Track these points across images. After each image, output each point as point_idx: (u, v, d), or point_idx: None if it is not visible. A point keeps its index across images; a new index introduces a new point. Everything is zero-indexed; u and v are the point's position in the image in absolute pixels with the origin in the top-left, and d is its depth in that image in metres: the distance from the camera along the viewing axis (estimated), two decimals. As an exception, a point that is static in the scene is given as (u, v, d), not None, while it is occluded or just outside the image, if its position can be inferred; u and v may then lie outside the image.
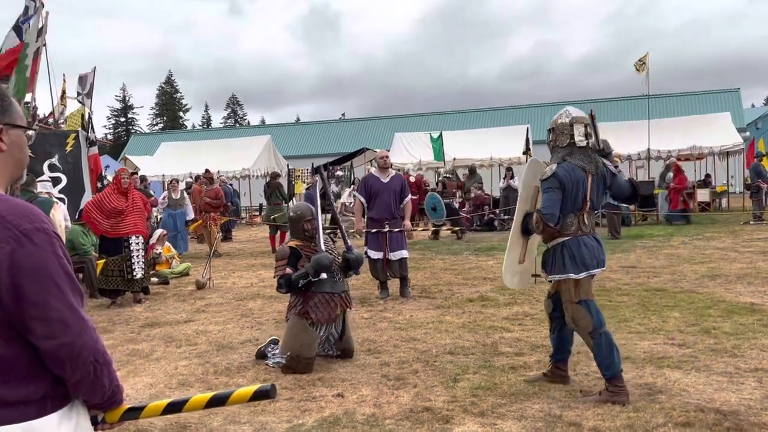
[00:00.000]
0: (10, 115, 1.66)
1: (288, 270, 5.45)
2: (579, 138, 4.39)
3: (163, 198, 14.76)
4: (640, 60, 18.19)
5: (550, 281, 4.56)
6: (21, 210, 1.55)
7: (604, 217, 15.78)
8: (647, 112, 19.08)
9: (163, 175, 23.65)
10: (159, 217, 14.69)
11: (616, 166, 4.78)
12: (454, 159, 22.43)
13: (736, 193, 27.42)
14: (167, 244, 11.64)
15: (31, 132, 1.77)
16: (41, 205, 8.38)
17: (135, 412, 1.79)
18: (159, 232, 11.66)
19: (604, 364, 4.28)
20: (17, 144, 1.68)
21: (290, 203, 15.98)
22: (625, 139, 20.37)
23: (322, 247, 5.49)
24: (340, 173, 23.79)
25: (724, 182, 24.16)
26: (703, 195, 21.05)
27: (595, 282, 8.61)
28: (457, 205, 17.91)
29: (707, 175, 24.06)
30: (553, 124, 4.53)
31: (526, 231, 4.66)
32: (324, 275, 5.32)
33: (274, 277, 5.59)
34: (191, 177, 21.66)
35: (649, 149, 19.30)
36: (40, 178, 9.33)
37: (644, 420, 3.90)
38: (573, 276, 4.33)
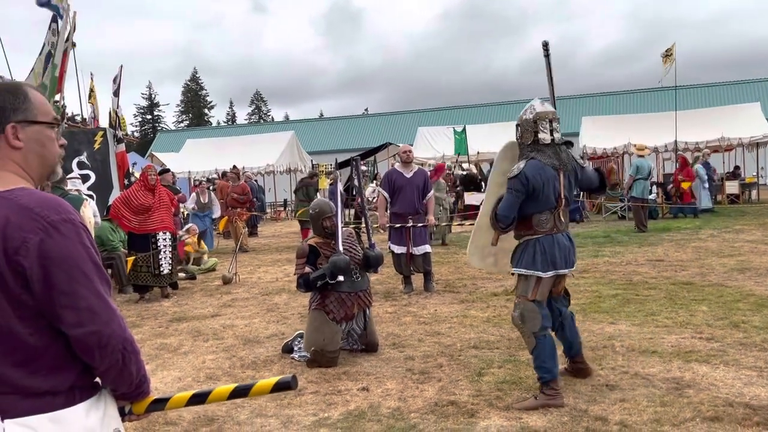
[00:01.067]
0: (25, 112, 1.67)
1: (307, 269, 5.48)
2: (543, 135, 4.26)
3: (192, 201, 14.95)
4: (666, 51, 17.91)
5: (513, 274, 4.43)
6: (48, 202, 1.59)
7: (630, 210, 15.62)
8: (674, 103, 18.80)
9: (189, 172, 23.93)
10: (186, 213, 14.86)
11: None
12: (478, 153, 22.35)
13: (767, 185, 26.92)
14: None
15: (57, 128, 1.78)
16: (72, 202, 8.57)
17: (161, 404, 1.83)
18: (188, 226, 11.87)
19: (544, 367, 4.15)
20: (37, 140, 1.69)
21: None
22: (652, 131, 20.13)
23: (340, 248, 5.46)
24: (363, 168, 23.84)
25: (754, 173, 23.75)
26: (732, 187, 20.72)
27: (622, 275, 8.62)
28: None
29: (736, 167, 23.68)
30: (518, 120, 4.39)
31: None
32: (341, 277, 5.33)
33: (294, 275, 5.63)
34: (216, 173, 21.86)
35: (676, 141, 19.02)
36: (69, 176, 9.52)
37: (672, 414, 3.87)
38: (540, 274, 4.21)
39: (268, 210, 26.22)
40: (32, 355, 1.58)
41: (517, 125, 4.41)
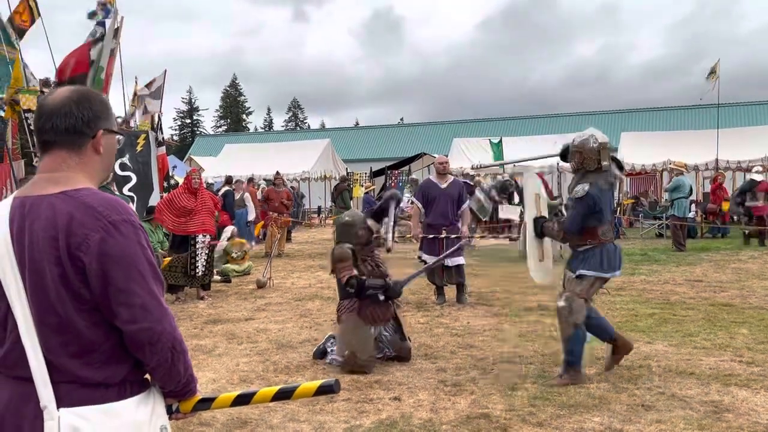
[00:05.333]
0: (110, 121, 1.80)
1: (355, 271, 5.52)
2: (605, 163, 4.93)
3: None
4: (712, 68, 17.62)
5: (576, 276, 4.92)
6: (110, 202, 1.68)
7: (668, 228, 15.35)
8: (716, 120, 18.46)
9: (226, 176, 24.23)
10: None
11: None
12: (514, 165, 22.19)
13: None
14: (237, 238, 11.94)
15: (120, 137, 1.90)
16: None
17: (207, 403, 1.87)
18: (230, 229, 12.04)
19: (574, 352, 4.84)
20: (111, 147, 1.83)
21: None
22: (693, 149, 19.77)
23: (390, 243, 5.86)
24: (404, 177, 23.90)
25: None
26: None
27: (659, 294, 8.48)
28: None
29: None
30: (579, 148, 4.96)
31: (540, 234, 5.12)
32: (382, 297, 5.54)
33: (341, 277, 5.61)
34: (254, 178, 22.11)
35: (717, 159, 18.66)
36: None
37: (710, 438, 3.79)
38: (605, 275, 4.90)
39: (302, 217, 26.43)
40: (88, 347, 1.65)
41: (576, 152, 4.98)
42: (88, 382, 1.65)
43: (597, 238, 4.90)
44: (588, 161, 4.93)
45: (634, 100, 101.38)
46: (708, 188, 19.87)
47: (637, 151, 21.00)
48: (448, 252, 6.58)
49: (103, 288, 1.62)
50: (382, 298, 5.46)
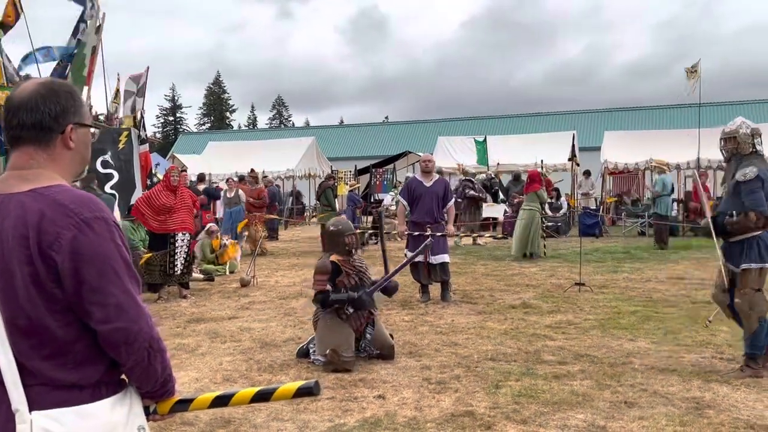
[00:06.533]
0: (80, 115, 1.74)
1: (328, 286, 5.53)
2: (759, 148, 4.99)
3: (221, 202, 15.16)
4: (692, 67, 17.75)
5: (741, 270, 4.87)
6: (82, 199, 1.63)
7: (651, 227, 15.48)
8: (698, 120, 18.61)
9: (210, 174, 24.09)
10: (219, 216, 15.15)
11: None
12: (498, 164, 22.29)
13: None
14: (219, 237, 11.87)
15: (94, 130, 1.85)
16: (107, 202, 8.76)
17: (185, 404, 1.83)
18: (209, 226, 11.99)
19: (759, 345, 4.87)
20: (83, 142, 1.76)
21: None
22: (675, 148, 19.93)
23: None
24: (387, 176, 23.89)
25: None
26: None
27: (642, 292, 8.54)
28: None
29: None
30: (733, 134, 5.00)
31: (723, 233, 5.05)
32: (351, 309, 5.50)
33: (313, 289, 5.67)
34: (236, 176, 22.02)
35: (698, 158, 18.83)
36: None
37: (691, 435, 3.82)
38: (766, 265, 4.83)
39: (288, 215, 26.35)
40: (61, 349, 1.60)
41: (730, 137, 5.01)
42: (62, 383, 1.60)
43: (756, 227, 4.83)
44: (743, 146, 4.96)
45: (617, 99, 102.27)
46: (690, 186, 20.06)
47: (620, 149, 21.15)
48: (414, 254, 6.53)
49: (76, 287, 1.58)
50: (351, 310, 5.48)
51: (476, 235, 16.12)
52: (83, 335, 1.62)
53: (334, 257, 5.69)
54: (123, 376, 1.73)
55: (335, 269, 5.60)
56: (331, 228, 5.82)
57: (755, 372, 4.86)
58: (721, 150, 5.15)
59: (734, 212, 4.87)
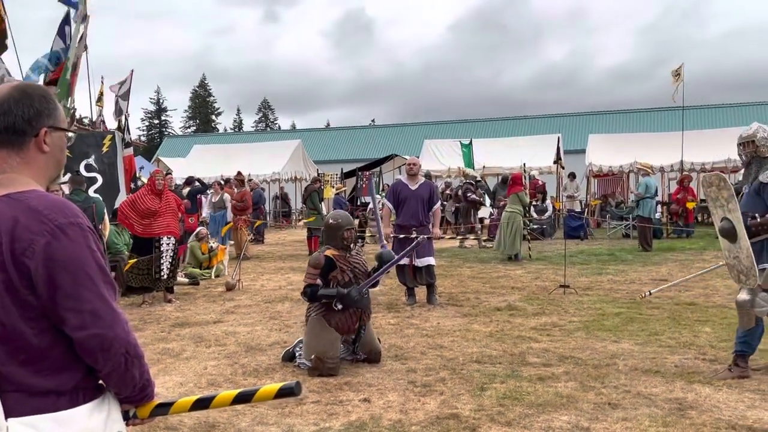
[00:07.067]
0: (54, 118, 1.72)
1: (318, 281, 5.48)
2: None
3: (207, 205, 15.09)
4: (675, 70, 17.94)
5: (762, 270, 4.84)
6: (57, 205, 1.61)
7: (635, 229, 15.60)
8: (681, 123, 18.81)
9: (192, 177, 23.96)
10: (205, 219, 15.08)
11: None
12: (484, 167, 22.38)
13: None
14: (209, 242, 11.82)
15: (71, 134, 1.84)
16: (98, 204, 8.74)
17: (165, 408, 1.82)
18: (199, 230, 11.95)
19: (749, 344, 4.91)
20: (58, 146, 1.74)
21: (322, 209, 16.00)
22: (659, 151, 20.12)
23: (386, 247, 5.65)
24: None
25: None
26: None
27: (626, 294, 8.60)
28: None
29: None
30: (751, 137, 5.07)
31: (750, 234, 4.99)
32: (340, 306, 5.39)
33: (303, 282, 5.63)
34: (221, 179, 21.94)
35: (682, 161, 19.03)
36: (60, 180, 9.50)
37: (674, 435, 3.85)
38: None
39: (274, 218, 26.28)
40: (37, 355, 1.59)
41: (748, 142, 5.06)
42: (39, 390, 1.59)
43: None
44: (762, 149, 5.03)
45: (601, 102, 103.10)
46: (673, 189, 20.25)
47: (605, 152, 21.33)
48: (403, 253, 6.52)
49: (51, 294, 1.56)
50: (339, 306, 5.40)
51: (461, 237, 16.17)
52: (59, 342, 1.61)
53: (329, 252, 5.60)
54: (101, 382, 1.72)
55: (329, 264, 5.51)
56: (330, 221, 5.76)
57: (742, 372, 4.90)
58: (739, 154, 5.22)
59: (757, 214, 4.90)
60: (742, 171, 5.45)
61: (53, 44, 10.54)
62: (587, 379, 4.98)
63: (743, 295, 4.95)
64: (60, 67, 9.84)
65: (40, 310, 1.57)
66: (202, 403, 1.87)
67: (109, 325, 1.60)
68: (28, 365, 1.58)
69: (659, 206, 17.69)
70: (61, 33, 10.37)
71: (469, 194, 16.75)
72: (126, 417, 1.79)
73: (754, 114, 37.42)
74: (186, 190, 14.07)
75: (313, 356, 5.26)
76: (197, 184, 13.80)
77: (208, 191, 15.26)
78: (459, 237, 16.10)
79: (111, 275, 1.70)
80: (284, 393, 1.81)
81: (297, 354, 5.60)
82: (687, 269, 10.91)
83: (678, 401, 4.45)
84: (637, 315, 7.28)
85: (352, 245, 5.70)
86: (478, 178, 19.77)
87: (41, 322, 1.58)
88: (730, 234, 4.98)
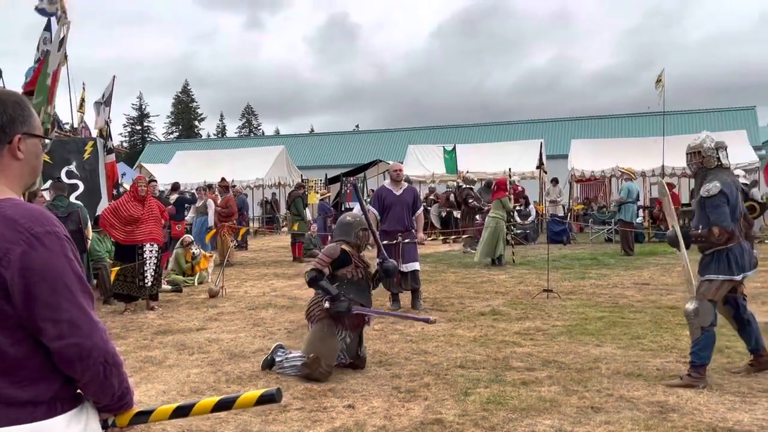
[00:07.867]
0: (29, 125, 1.70)
1: (326, 270, 5.49)
2: (725, 161, 5.05)
3: (191, 211, 15.01)
4: (658, 77, 18.16)
5: (709, 281, 4.97)
6: (33, 214, 1.59)
7: (617, 233, 15.73)
8: (662, 128, 19.01)
9: (178, 183, 23.82)
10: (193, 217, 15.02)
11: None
12: (467, 172, 22.45)
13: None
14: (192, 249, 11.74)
15: (47, 141, 1.82)
16: (82, 211, 8.67)
17: (144, 416, 1.81)
18: (184, 237, 11.89)
19: (700, 354, 4.89)
20: (33, 153, 1.73)
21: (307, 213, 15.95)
22: (640, 156, 20.30)
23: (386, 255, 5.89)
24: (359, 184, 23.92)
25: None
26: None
27: (608, 298, 8.66)
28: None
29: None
30: (697, 148, 5.08)
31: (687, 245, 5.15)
32: (327, 304, 5.41)
33: (312, 265, 5.61)
34: (205, 185, 21.82)
35: (663, 166, 19.22)
36: (42, 187, 9.41)
37: (656, 438, 3.88)
38: (735, 278, 4.91)
39: (257, 224, 26.19)
40: (14, 366, 1.57)
41: (695, 153, 5.08)
42: (15, 401, 1.57)
43: (734, 238, 4.88)
44: (708, 160, 5.03)
45: (583, 107, 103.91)
46: (655, 194, 20.43)
47: (587, 157, 21.49)
48: (395, 314, 6.56)
49: (27, 304, 1.54)
50: (326, 305, 5.42)
51: (464, 241, 16.23)
52: (36, 352, 1.59)
53: (346, 247, 5.69)
54: (79, 391, 1.71)
55: (343, 257, 5.58)
56: (348, 218, 5.90)
57: (694, 381, 4.83)
58: (687, 165, 5.25)
59: (700, 226, 4.98)
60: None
61: (37, 49, 10.45)
62: (570, 383, 5.01)
63: (689, 305, 5.01)
64: (33, 79, 9.73)
65: (16, 320, 1.56)
66: (183, 411, 1.85)
67: (87, 335, 1.59)
68: (4, 376, 1.57)
69: (641, 211, 17.87)
70: (45, 40, 10.29)
71: (470, 200, 16.83)
72: (105, 426, 1.77)
73: (734, 119, 37.96)
74: (173, 197, 14.00)
75: (312, 354, 5.25)
76: (187, 195, 13.76)
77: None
78: (462, 240, 16.14)
79: (89, 284, 1.69)
80: (265, 399, 1.81)
81: (277, 360, 5.58)
82: (668, 273, 11.02)
83: (660, 404, 4.49)
84: (619, 319, 7.34)
85: (363, 246, 5.82)
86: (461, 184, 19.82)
87: (18, 333, 1.57)
88: (674, 243, 5.16)
